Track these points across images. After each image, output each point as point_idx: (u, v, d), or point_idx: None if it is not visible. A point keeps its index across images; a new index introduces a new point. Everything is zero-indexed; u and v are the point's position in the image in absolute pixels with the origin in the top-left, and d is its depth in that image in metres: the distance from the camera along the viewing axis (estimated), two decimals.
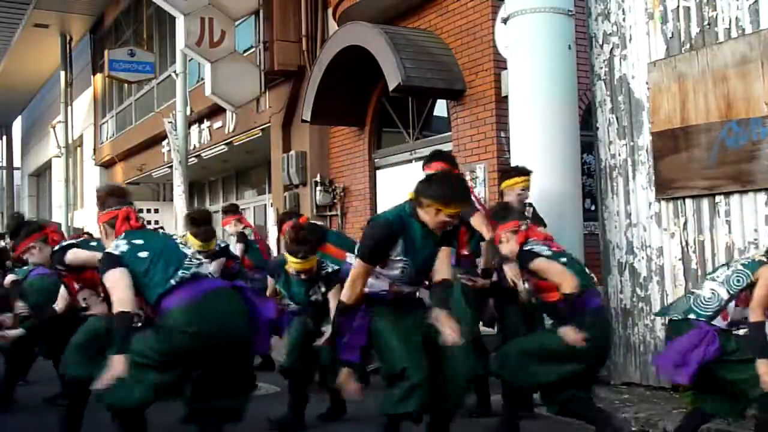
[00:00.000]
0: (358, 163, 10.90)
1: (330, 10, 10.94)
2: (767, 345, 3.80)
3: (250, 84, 11.61)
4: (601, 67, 6.07)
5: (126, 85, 17.91)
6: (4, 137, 37.13)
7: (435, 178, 3.81)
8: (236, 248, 7.38)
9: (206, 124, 14.49)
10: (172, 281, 3.59)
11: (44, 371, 6.23)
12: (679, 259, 5.51)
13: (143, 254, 3.64)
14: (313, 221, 7.45)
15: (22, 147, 34.59)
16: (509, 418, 4.47)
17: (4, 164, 37.36)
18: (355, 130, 10.92)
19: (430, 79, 8.79)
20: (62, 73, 22.86)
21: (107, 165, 20.69)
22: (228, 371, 3.76)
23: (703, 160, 5.29)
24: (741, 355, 3.86)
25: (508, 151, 6.41)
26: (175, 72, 12.49)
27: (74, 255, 4.35)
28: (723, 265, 4.25)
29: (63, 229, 20.47)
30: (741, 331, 3.98)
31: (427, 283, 3.84)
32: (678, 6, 5.50)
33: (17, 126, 35.30)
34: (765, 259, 3.95)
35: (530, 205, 5.30)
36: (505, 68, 7.06)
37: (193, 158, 13.94)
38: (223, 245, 6.90)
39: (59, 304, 4.91)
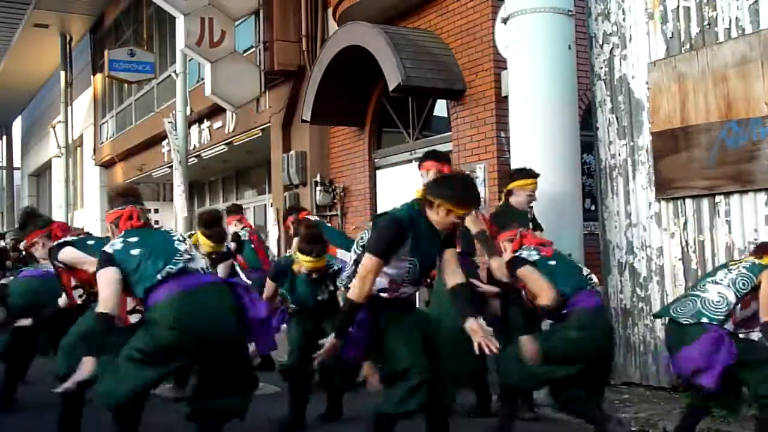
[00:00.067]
0: (358, 163, 10.90)
1: (330, 10, 10.93)
2: None
3: (250, 84, 11.61)
4: (601, 67, 6.07)
5: (126, 85, 17.91)
6: (4, 137, 37.14)
7: (448, 178, 3.84)
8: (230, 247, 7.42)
9: (206, 124, 14.48)
10: (159, 276, 3.60)
11: (44, 371, 6.22)
12: (679, 259, 5.51)
13: (135, 251, 3.67)
14: (308, 216, 7.47)
15: (22, 147, 34.59)
16: (508, 418, 4.47)
17: (4, 164, 37.37)
18: (355, 130, 10.92)
19: (430, 79, 8.79)
20: (62, 73, 22.86)
21: (107, 165, 20.69)
22: (224, 369, 3.74)
23: (703, 160, 5.29)
24: (745, 357, 3.93)
25: (508, 151, 6.41)
26: (175, 72, 12.50)
27: (65, 253, 4.40)
28: (721, 267, 4.24)
29: None
30: (754, 335, 4.10)
31: (428, 281, 3.86)
32: (678, 6, 5.50)
33: (17, 126, 35.30)
34: (764, 262, 4.03)
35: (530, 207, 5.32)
36: (505, 68, 7.06)
37: (193, 158, 13.94)
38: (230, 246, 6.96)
39: (62, 301, 4.93)
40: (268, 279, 5.22)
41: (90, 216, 21.02)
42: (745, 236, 5.09)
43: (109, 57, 16.10)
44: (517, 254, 4.49)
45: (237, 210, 8.30)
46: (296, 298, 5.07)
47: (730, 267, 4.13)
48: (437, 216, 3.59)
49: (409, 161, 10.03)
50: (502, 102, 8.11)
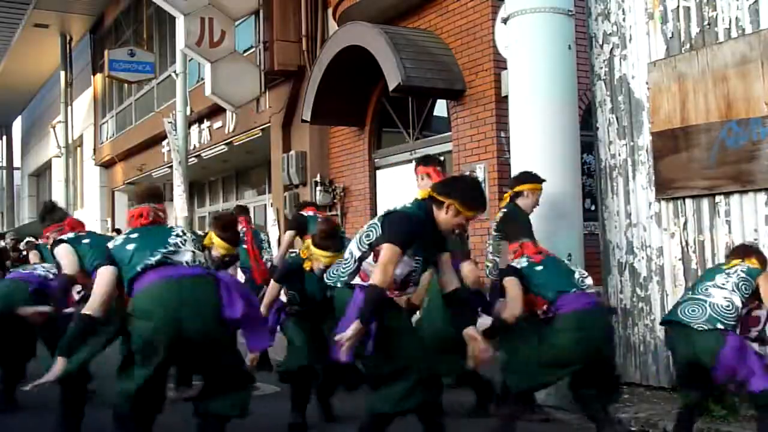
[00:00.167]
0: (358, 163, 10.90)
1: (330, 10, 10.93)
2: None
3: (250, 84, 11.61)
4: (601, 67, 6.07)
5: (126, 85, 17.92)
6: (4, 137, 37.16)
7: (458, 179, 3.91)
8: None
9: (206, 124, 14.49)
10: (138, 267, 3.60)
11: (44, 372, 6.22)
12: (679, 259, 5.51)
13: (131, 246, 3.68)
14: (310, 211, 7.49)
15: (22, 147, 34.60)
16: (510, 419, 4.47)
17: (4, 164, 37.39)
18: (355, 130, 10.92)
19: (430, 79, 8.79)
20: (62, 73, 22.87)
21: (107, 165, 20.70)
22: (210, 366, 3.67)
23: (703, 160, 5.29)
24: None
25: (508, 151, 6.41)
26: (175, 72, 12.49)
27: (57, 251, 4.54)
28: (717, 271, 4.23)
29: None
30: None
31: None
32: (678, 6, 5.50)
33: (17, 126, 35.32)
34: (752, 264, 4.16)
35: None
36: (505, 68, 7.06)
37: (193, 158, 13.94)
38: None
39: (45, 308, 5.01)
40: (272, 281, 5.08)
41: (90, 216, 21.01)
42: (745, 236, 5.09)
43: (109, 57, 16.11)
44: (510, 264, 4.62)
45: (241, 212, 8.40)
46: (305, 296, 4.95)
47: (728, 271, 4.16)
48: (445, 216, 3.61)
49: (409, 161, 10.01)
50: (502, 102, 8.11)
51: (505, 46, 7.22)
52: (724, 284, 4.09)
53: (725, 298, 4.03)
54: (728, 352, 3.92)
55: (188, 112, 12.28)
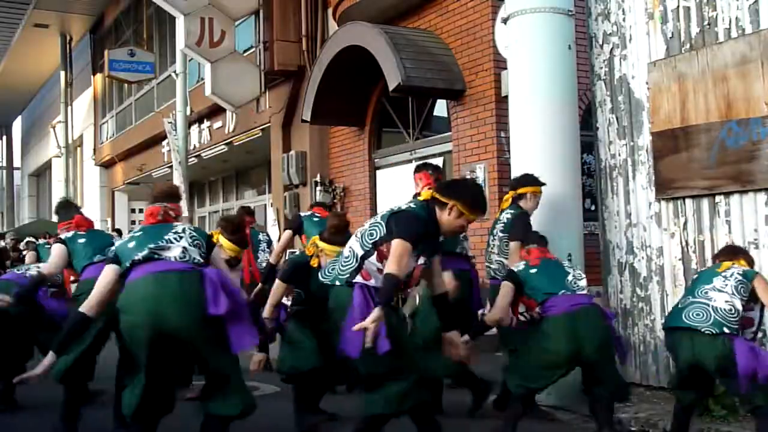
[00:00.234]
0: (358, 163, 10.91)
1: (330, 10, 10.94)
2: None
3: (250, 84, 11.61)
4: (601, 67, 6.07)
5: (126, 85, 17.93)
6: (4, 137, 37.17)
7: (462, 182, 3.97)
8: None
9: (206, 124, 14.49)
10: (127, 263, 3.61)
11: None
12: (679, 259, 5.51)
13: (132, 244, 3.69)
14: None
15: (22, 147, 34.62)
16: (513, 419, 4.47)
17: (4, 164, 37.41)
18: (355, 130, 10.92)
19: (430, 79, 8.79)
20: (62, 73, 22.89)
21: (107, 165, 20.70)
22: (200, 364, 3.62)
23: (703, 160, 5.29)
24: None
25: (508, 151, 6.41)
26: (175, 72, 12.50)
27: (52, 249, 4.65)
28: (713, 274, 4.22)
29: None
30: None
31: None
32: (678, 6, 5.50)
33: (17, 126, 35.33)
34: (746, 266, 4.23)
35: None
36: (505, 68, 7.06)
37: (193, 158, 13.95)
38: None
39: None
40: (278, 280, 5.01)
41: (90, 216, 20.95)
42: (745, 236, 5.09)
43: (109, 57, 16.13)
44: (510, 267, 4.75)
45: (249, 213, 8.52)
46: (311, 294, 4.85)
47: (724, 274, 4.17)
48: (448, 217, 3.65)
49: (409, 161, 10.03)
50: (502, 102, 8.12)
51: (505, 46, 7.22)
52: (723, 288, 4.10)
53: (727, 301, 4.04)
54: (743, 358, 3.93)
55: (188, 112, 12.29)
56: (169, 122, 11.97)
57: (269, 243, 8.60)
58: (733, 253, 4.39)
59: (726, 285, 4.10)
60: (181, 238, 3.67)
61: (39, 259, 8.59)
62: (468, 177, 8.60)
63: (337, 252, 4.62)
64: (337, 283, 3.71)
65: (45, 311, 5.40)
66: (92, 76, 21.78)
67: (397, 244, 3.52)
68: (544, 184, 5.36)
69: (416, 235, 3.56)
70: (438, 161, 9.46)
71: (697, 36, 5.38)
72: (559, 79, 5.74)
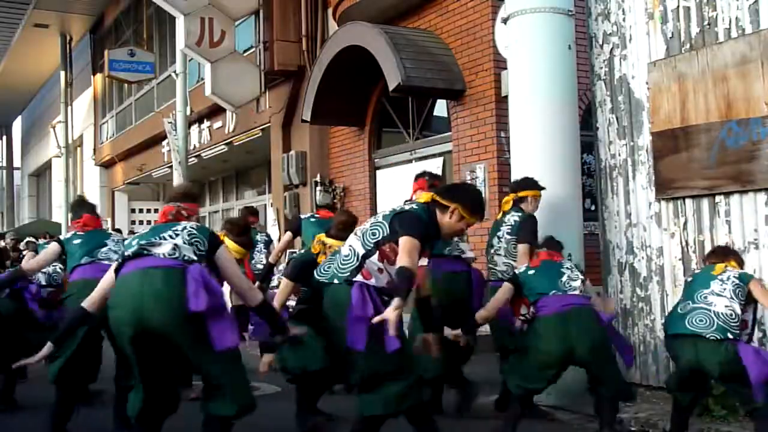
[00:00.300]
0: (358, 163, 10.91)
1: (330, 10, 10.94)
2: None
3: (250, 84, 11.61)
4: (601, 67, 6.07)
5: (126, 85, 17.94)
6: (4, 137, 37.17)
7: (463, 186, 4.04)
8: None
9: (206, 124, 14.49)
10: (120, 259, 3.63)
11: (44, 371, 6.22)
12: (679, 259, 5.51)
13: (135, 241, 3.69)
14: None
15: (22, 147, 34.62)
16: (514, 419, 4.47)
17: (4, 164, 37.41)
18: (355, 130, 10.92)
19: (430, 79, 8.80)
20: (62, 73, 22.87)
21: (107, 165, 20.71)
22: (189, 362, 3.56)
23: (703, 160, 5.29)
24: None
25: (508, 151, 6.41)
26: (175, 72, 12.50)
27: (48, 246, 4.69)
28: (710, 277, 4.21)
29: (63, 228, 20.52)
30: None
31: None
32: (678, 6, 5.50)
33: (17, 126, 35.34)
34: (737, 267, 4.26)
35: None
36: (505, 68, 7.06)
37: (193, 158, 13.95)
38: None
39: None
40: (285, 279, 4.95)
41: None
42: (745, 236, 5.09)
43: (109, 57, 16.13)
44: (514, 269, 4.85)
45: (253, 213, 8.61)
46: (318, 291, 4.90)
47: (721, 278, 4.16)
48: (449, 220, 3.69)
49: (409, 161, 10.04)
50: (502, 102, 8.12)
51: (505, 46, 7.22)
52: (721, 292, 4.10)
53: (727, 306, 4.04)
54: (754, 367, 3.93)
55: (188, 112, 12.29)
56: (169, 122, 11.97)
57: (267, 243, 8.61)
58: (723, 254, 4.40)
59: (724, 289, 4.10)
60: (177, 235, 3.63)
61: None
62: (468, 178, 8.62)
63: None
64: (336, 281, 3.69)
65: (31, 311, 5.45)
66: (92, 76, 21.78)
67: (405, 241, 3.54)
68: (544, 188, 5.38)
69: (423, 234, 3.60)
70: (438, 161, 9.48)
71: (697, 36, 5.38)
72: (559, 79, 5.74)
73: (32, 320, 5.51)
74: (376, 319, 3.38)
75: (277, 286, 5.24)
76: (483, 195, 3.89)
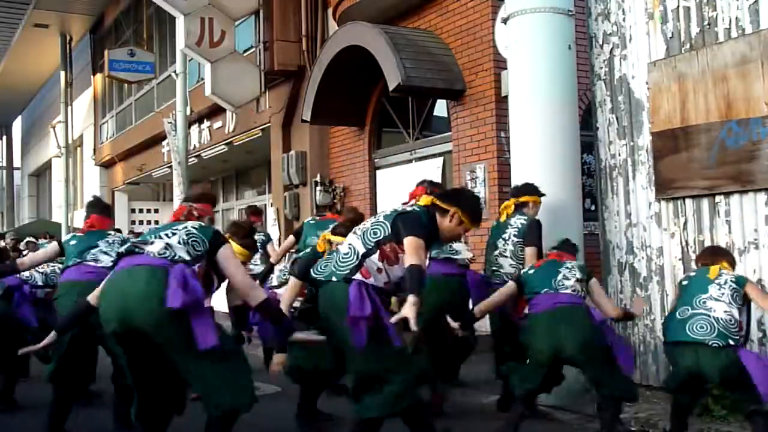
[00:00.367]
0: (358, 163, 10.90)
1: (330, 10, 10.94)
2: None
3: (250, 84, 11.60)
4: (601, 67, 6.07)
5: (126, 85, 17.92)
6: (4, 137, 37.15)
7: (464, 192, 4.03)
8: None
9: (206, 124, 14.49)
10: (116, 257, 3.67)
11: (44, 371, 6.22)
12: (679, 259, 5.51)
13: (140, 239, 3.71)
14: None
15: (22, 147, 34.60)
16: (515, 419, 4.47)
17: (4, 164, 37.39)
18: (355, 130, 10.92)
19: (430, 79, 8.79)
20: (62, 73, 22.86)
21: (107, 165, 20.70)
22: (172, 361, 3.52)
23: (703, 160, 5.29)
24: None
25: (508, 151, 6.41)
26: (175, 72, 12.49)
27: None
28: (706, 281, 4.19)
29: (63, 228, 20.53)
30: None
31: None
32: (678, 6, 5.50)
33: (17, 126, 35.32)
34: (729, 268, 4.27)
35: None
36: (505, 68, 7.06)
37: (193, 158, 13.94)
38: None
39: None
40: (292, 278, 4.84)
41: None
42: (745, 236, 5.10)
43: (109, 57, 16.11)
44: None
45: (257, 213, 8.63)
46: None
47: (718, 282, 4.16)
48: (448, 224, 3.72)
49: (409, 161, 10.04)
50: (502, 102, 8.12)
51: (505, 46, 7.22)
52: (720, 297, 4.09)
53: (726, 311, 4.04)
54: (754, 368, 3.94)
55: (188, 112, 12.27)
56: (169, 122, 11.96)
57: (264, 243, 8.60)
58: (715, 254, 4.40)
59: (722, 294, 4.10)
60: (174, 234, 3.60)
61: None
62: (468, 178, 8.62)
63: None
64: (334, 278, 3.66)
65: (11, 316, 5.49)
66: (92, 76, 21.77)
67: (411, 241, 3.55)
68: (544, 194, 5.41)
69: (427, 234, 3.63)
70: (438, 161, 9.47)
71: (697, 36, 5.38)
72: (559, 79, 5.74)
73: (17, 323, 5.55)
74: (393, 319, 3.38)
75: (277, 287, 5.24)
76: (482, 203, 3.92)
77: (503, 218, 5.41)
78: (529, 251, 5.12)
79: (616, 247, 5.95)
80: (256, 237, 8.23)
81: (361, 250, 3.67)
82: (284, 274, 5.24)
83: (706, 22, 5.33)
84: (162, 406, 3.62)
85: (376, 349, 3.51)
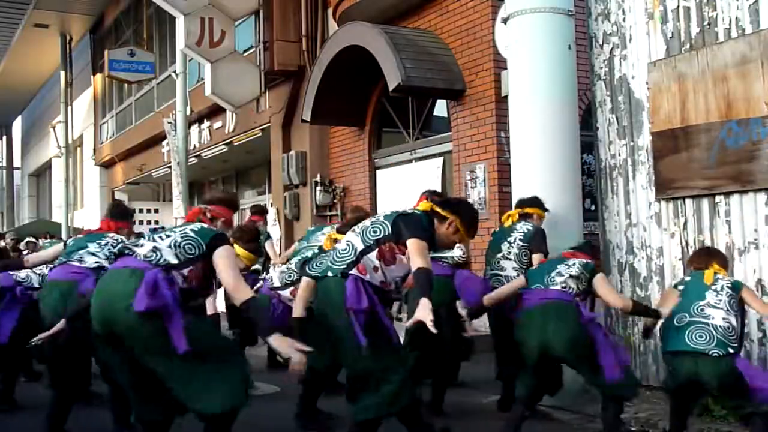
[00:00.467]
0: (358, 163, 10.90)
1: (330, 10, 10.94)
2: None
3: (250, 84, 11.61)
4: (601, 67, 6.07)
5: (126, 85, 17.92)
6: (4, 137, 37.16)
7: (463, 202, 4.09)
8: None
9: (206, 124, 14.49)
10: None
11: (44, 371, 6.22)
12: (679, 259, 5.51)
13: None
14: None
15: (22, 147, 34.61)
16: (516, 420, 4.47)
17: (4, 164, 37.39)
18: (355, 130, 10.92)
19: (430, 79, 8.79)
20: (62, 73, 22.86)
21: (107, 165, 20.70)
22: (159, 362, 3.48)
23: (703, 160, 5.29)
24: None
25: (508, 151, 6.41)
26: (175, 72, 12.50)
27: None
28: (702, 287, 4.18)
29: (63, 228, 20.53)
30: None
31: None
32: (678, 6, 5.50)
33: (17, 126, 35.32)
34: (722, 270, 4.28)
35: None
36: (505, 68, 7.06)
37: (193, 158, 13.95)
38: None
39: None
40: (304, 278, 4.99)
41: (90, 216, 21.01)
42: (745, 236, 5.10)
43: (109, 57, 16.11)
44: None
45: (261, 212, 8.67)
46: None
47: (715, 288, 4.15)
48: (446, 231, 3.76)
49: (409, 161, 10.04)
50: (502, 102, 8.12)
51: (505, 46, 7.22)
52: (717, 304, 4.08)
53: (724, 319, 4.03)
54: (753, 375, 3.96)
55: (188, 112, 12.28)
56: (169, 122, 11.96)
57: (263, 241, 8.63)
58: (707, 255, 4.40)
59: (720, 301, 4.09)
60: (168, 236, 3.59)
61: None
62: (468, 178, 8.62)
63: None
64: (329, 273, 3.65)
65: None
66: (92, 76, 21.77)
67: (415, 243, 3.57)
68: (548, 210, 5.46)
69: (429, 237, 3.66)
70: (438, 161, 9.47)
71: (697, 36, 5.38)
72: (559, 79, 5.74)
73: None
74: (409, 323, 3.44)
75: (281, 288, 5.23)
76: (479, 214, 4.02)
77: (508, 224, 5.41)
78: (536, 258, 5.13)
79: (616, 247, 5.95)
80: None
81: (360, 246, 3.67)
82: (288, 276, 5.23)
83: (706, 22, 5.33)
84: (161, 407, 3.59)
85: (375, 348, 3.50)
